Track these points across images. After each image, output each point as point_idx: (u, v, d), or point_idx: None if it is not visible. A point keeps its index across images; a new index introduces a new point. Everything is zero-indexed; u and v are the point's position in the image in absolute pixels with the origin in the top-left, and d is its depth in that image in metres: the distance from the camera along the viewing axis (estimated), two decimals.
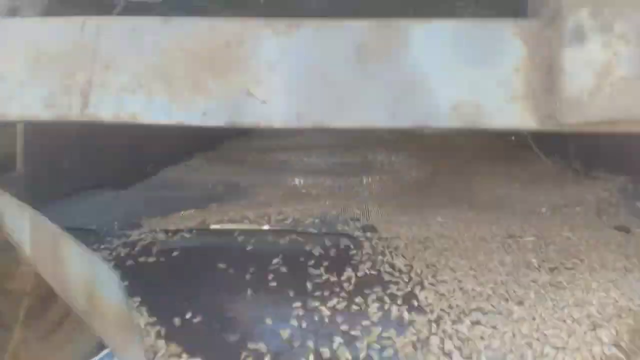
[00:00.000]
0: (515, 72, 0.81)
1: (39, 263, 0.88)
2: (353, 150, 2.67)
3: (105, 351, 2.45)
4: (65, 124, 0.80)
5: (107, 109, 0.79)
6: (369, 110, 0.85)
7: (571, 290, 1.04)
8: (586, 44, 0.76)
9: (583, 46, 0.76)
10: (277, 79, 0.81)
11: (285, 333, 0.94)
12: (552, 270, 1.14)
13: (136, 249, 1.25)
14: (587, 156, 1.70)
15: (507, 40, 0.81)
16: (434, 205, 1.60)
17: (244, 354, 0.89)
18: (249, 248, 1.25)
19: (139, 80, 0.79)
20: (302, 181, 2.04)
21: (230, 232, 1.33)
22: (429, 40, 0.82)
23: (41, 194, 1.21)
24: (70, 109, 0.79)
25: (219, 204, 1.60)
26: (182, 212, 1.46)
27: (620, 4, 0.76)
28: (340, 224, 1.41)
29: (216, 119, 0.81)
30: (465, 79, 0.82)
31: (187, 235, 1.31)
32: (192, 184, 1.89)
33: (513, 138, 2.81)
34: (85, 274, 0.82)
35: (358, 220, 1.45)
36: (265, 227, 1.37)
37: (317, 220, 1.42)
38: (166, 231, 1.32)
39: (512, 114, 0.81)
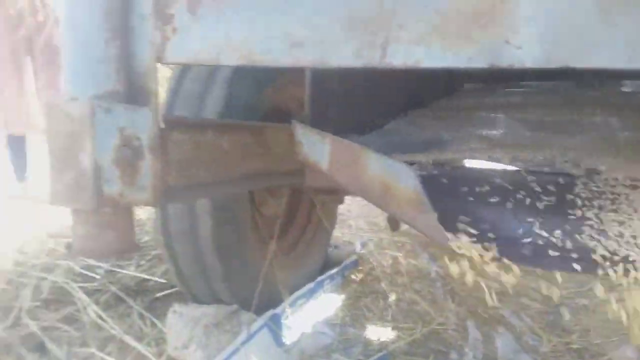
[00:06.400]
0: None
1: (337, 172, 1.23)
2: (564, 109, 2.64)
3: (327, 274, 2.91)
4: None
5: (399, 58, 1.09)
6: (609, 53, 1.01)
7: None
8: None
9: None
10: (532, 30, 1.02)
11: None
12: None
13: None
14: None
15: None
16: None
17: None
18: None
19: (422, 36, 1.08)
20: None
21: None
22: None
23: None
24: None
25: (439, 149, 1.84)
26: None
27: None
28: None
29: (478, 63, 1.06)
30: None
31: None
32: (410, 135, 2.16)
33: None
34: (382, 172, 1.13)
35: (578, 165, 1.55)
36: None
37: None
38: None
39: None
